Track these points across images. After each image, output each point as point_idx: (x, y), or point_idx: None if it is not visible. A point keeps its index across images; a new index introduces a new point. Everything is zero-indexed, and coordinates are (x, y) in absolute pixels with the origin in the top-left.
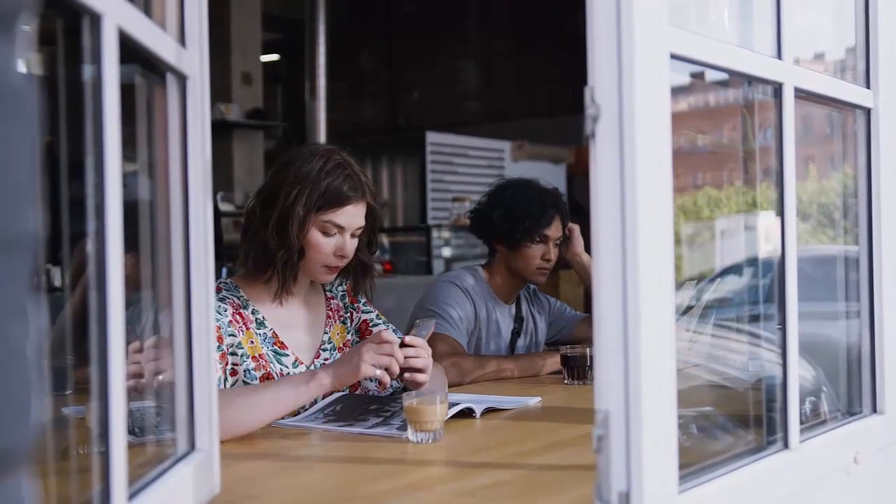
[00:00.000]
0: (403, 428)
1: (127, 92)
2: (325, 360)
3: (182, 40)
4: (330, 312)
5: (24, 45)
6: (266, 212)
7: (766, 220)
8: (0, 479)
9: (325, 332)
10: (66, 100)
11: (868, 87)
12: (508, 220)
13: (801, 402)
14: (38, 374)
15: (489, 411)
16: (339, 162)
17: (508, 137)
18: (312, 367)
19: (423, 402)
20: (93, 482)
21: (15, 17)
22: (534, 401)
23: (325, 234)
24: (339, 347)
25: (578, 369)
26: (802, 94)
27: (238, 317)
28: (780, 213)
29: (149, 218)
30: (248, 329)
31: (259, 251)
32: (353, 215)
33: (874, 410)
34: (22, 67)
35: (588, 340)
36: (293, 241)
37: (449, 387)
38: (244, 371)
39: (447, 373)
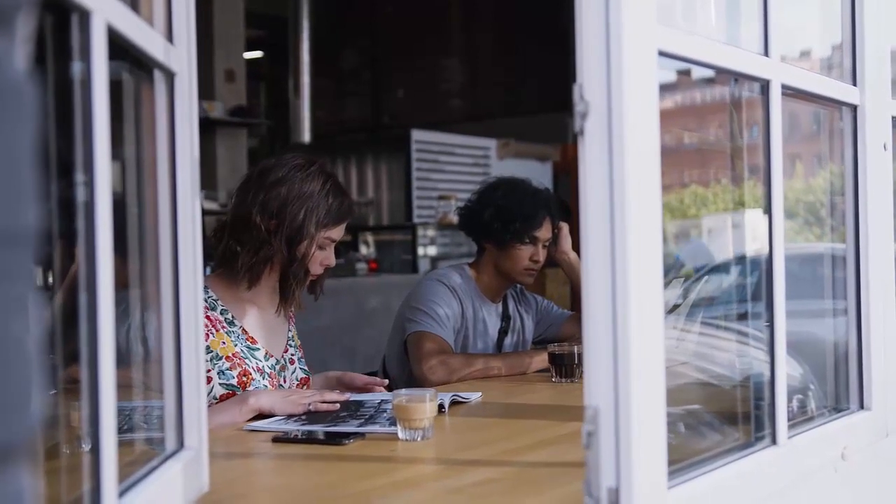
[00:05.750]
0: (393, 423)
1: (113, 89)
2: (292, 355)
3: (170, 37)
4: (291, 313)
5: (23, 42)
6: (267, 223)
7: (753, 218)
8: (0, 472)
9: (290, 330)
10: (54, 97)
11: (854, 84)
12: (499, 220)
13: (789, 399)
14: (38, 368)
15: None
16: (336, 180)
17: (494, 135)
18: (282, 360)
19: (412, 400)
20: (81, 480)
21: (14, 13)
22: (475, 396)
23: (321, 248)
24: (299, 346)
25: (566, 367)
26: (789, 91)
27: (206, 320)
28: (768, 209)
29: (136, 216)
30: (217, 330)
31: (261, 263)
32: (343, 230)
33: (861, 406)
34: (21, 64)
35: (575, 338)
36: (306, 259)
37: (437, 385)
38: (218, 373)
39: (435, 371)
